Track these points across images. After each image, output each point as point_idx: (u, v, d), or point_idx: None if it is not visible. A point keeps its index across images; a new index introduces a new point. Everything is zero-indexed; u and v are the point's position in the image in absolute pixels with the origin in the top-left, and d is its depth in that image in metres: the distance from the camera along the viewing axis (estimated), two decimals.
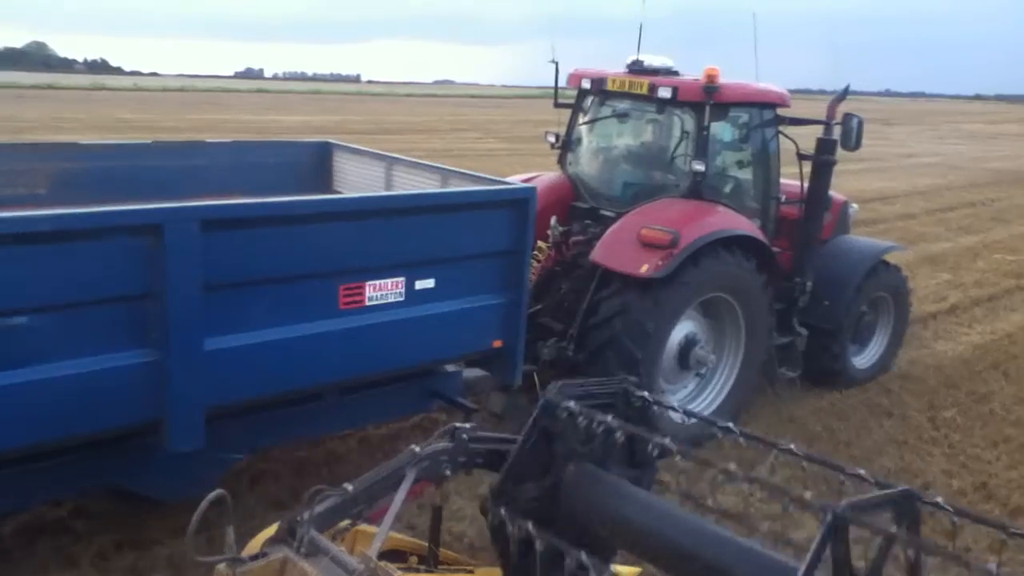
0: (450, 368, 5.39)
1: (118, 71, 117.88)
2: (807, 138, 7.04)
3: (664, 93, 6.39)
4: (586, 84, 7.02)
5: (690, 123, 6.52)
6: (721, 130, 6.78)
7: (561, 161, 7.34)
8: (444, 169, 5.73)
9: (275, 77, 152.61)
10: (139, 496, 4.32)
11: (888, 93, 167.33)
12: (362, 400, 4.95)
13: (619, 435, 2.98)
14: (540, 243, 6.59)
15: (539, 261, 6.63)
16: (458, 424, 3.12)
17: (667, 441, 2.89)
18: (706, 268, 6.07)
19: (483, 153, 25.75)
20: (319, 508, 2.61)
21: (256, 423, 4.51)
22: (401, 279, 4.58)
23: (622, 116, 7.09)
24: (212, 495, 2.37)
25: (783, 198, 7.10)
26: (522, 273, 5.14)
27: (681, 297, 6.05)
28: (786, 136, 7.00)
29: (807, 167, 7.06)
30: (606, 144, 7.32)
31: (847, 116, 6.81)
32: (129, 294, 3.65)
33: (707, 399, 6.58)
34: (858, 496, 2.46)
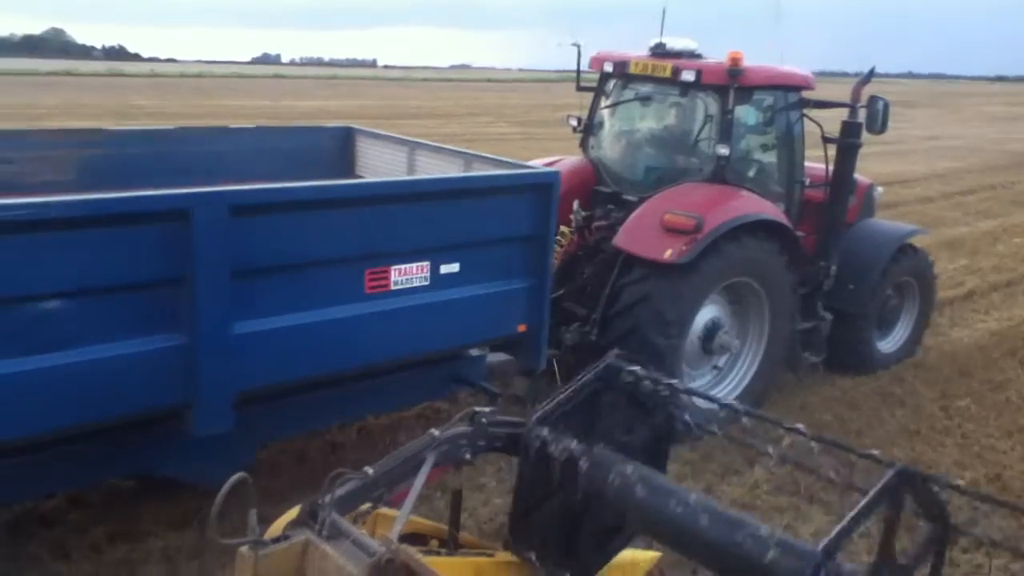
0: (474, 352, 5.39)
1: (136, 58, 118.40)
2: (832, 121, 6.97)
3: (688, 76, 6.34)
4: (608, 67, 6.97)
5: (714, 106, 6.46)
6: (745, 113, 6.72)
7: (583, 145, 7.30)
8: (467, 153, 5.72)
9: (292, 63, 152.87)
10: (157, 482, 4.35)
11: (910, 75, 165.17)
12: (386, 385, 4.97)
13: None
14: (563, 228, 6.57)
15: (561, 246, 6.61)
16: (477, 408, 3.13)
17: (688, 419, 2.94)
18: (730, 253, 6.03)
19: (495, 137, 25.60)
20: (340, 491, 2.63)
21: (282, 408, 4.54)
22: (426, 263, 4.59)
23: (645, 100, 7.04)
24: (234, 478, 2.38)
25: (808, 181, 7.04)
26: (546, 257, 5.14)
27: (705, 283, 6.02)
28: (811, 119, 6.93)
29: (832, 150, 6.99)
30: (629, 128, 7.27)
31: (872, 99, 6.73)
32: (158, 279, 3.68)
33: (731, 384, 6.56)
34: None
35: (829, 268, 7.08)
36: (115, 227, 3.52)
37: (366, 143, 6.60)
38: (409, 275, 4.54)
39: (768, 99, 6.77)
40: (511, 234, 4.98)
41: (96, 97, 36.95)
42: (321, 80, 67.28)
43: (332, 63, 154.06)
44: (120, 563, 4.39)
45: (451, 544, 3.28)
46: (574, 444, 2.91)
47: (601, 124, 7.26)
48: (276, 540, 2.51)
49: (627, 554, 3.48)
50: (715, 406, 3.50)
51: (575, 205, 6.69)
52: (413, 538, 3.09)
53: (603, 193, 6.96)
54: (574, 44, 7.02)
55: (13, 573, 4.19)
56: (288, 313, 4.10)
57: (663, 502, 2.93)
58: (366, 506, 2.81)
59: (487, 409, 3.14)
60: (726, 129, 6.32)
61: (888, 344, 7.87)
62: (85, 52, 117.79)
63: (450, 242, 4.67)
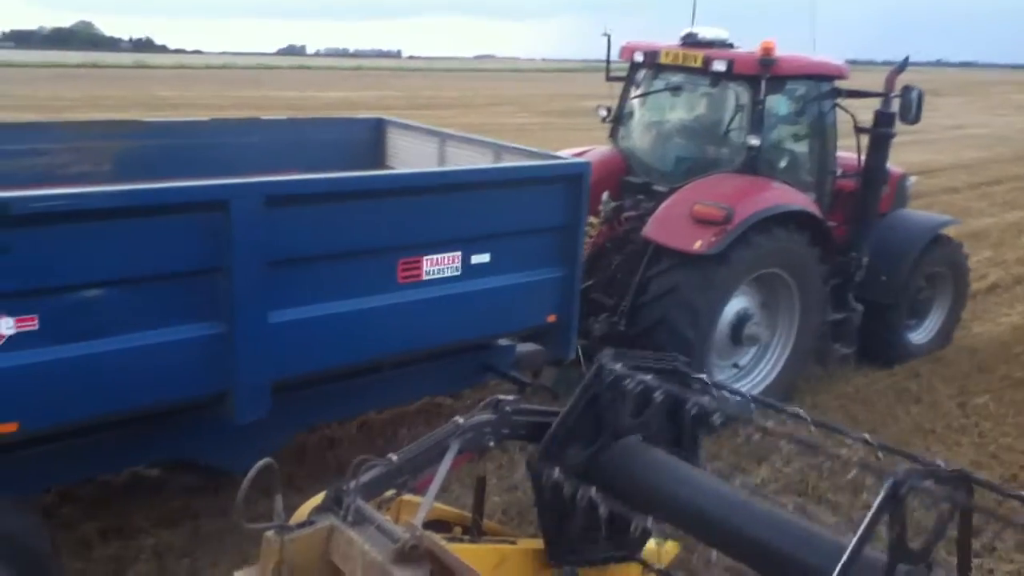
0: (503, 342, 5.41)
1: (162, 49, 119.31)
2: (865, 111, 6.89)
3: (719, 66, 6.30)
4: (639, 57, 6.94)
5: (745, 97, 6.41)
6: (777, 103, 6.66)
7: (613, 135, 7.27)
8: (497, 144, 5.73)
9: (317, 54, 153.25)
10: (148, 479, 4.36)
11: (940, 63, 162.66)
12: (416, 373, 5.01)
13: (658, 395, 3.01)
14: (591, 218, 6.56)
15: (590, 236, 6.60)
16: (501, 396, 3.16)
17: (707, 400, 2.94)
18: (760, 244, 6.00)
19: (515, 128, 25.40)
20: (365, 478, 2.66)
21: (315, 396, 4.58)
22: (457, 254, 4.60)
23: (675, 90, 6.99)
24: (260, 463, 2.42)
25: (840, 171, 6.98)
26: (576, 248, 5.14)
27: (734, 274, 5.99)
28: (843, 109, 6.86)
29: (864, 140, 6.92)
30: (659, 118, 7.23)
31: (906, 88, 6.65)
32: (197, 268, 3.72)
33: (760, 375, 6.53)
34: (916, 465, 2.44)
35: (861, 259, 7.01)
36: (156, 217, 3.56)
37: (397, 134, 6.62)
38: (441, 265, 4.56)
39: (800, 89, 6.71)
40: (542, 224, 4.98)
41: (121, 89, 37.21)
42: (345, 71, 67.36)
43: (357, 54, 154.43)
44: (110, 560, 4.37)
45: (475, 531, 3.31)
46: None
47: (631, 114, 7.23)
48: (301, 525, 2.54)
49: (650, 542, 3.50)
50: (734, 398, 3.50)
51: (604, 196, 6.68)
52: (437, 525, 3.12)
53: (632, 183, 6.94)
54: (604, 34, 6.99)
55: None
56: (322, 302, 4.13)
57: (687, 491, 2.94)
58: (390, 492, 2.84)
59: (511, 397, 3.17)
60: (757, 119, 6.28)
61: (920, 335, 7.80)
62: (113, 44, 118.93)
63: (481, 232, 4.68)
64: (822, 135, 6.89)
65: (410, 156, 6.40)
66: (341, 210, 4.12)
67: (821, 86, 6.75)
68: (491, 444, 3.10)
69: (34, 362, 3.32)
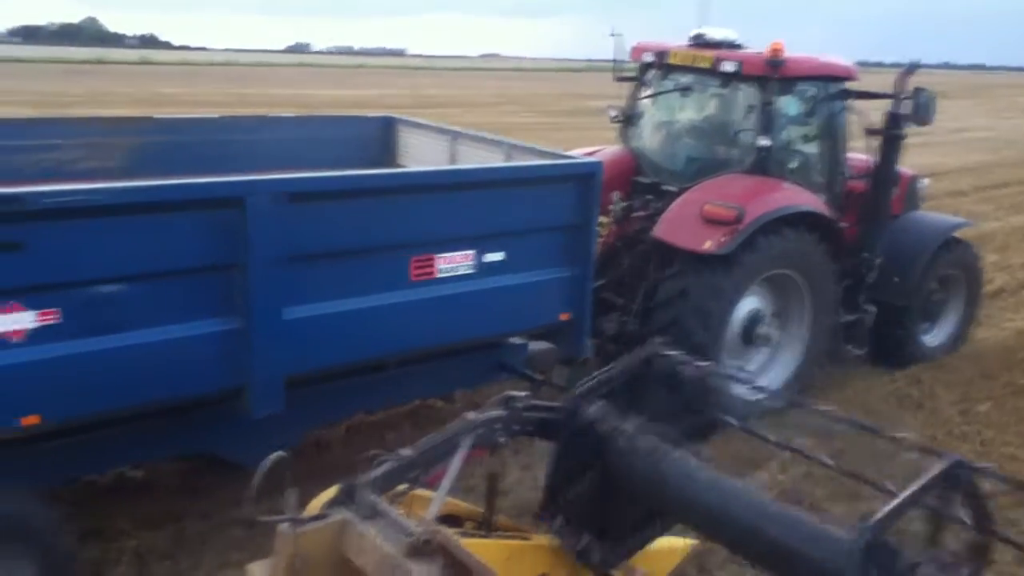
0: (515, 340, 5.42)
1: (167, 46, 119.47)
2: (873, 113, 6.88)
3: (728, 67, 6.31)
4: (648, 58, 6.95)
5: (755, 97, 6.42)
6: (786, 104, 6.66)
7: (623, 135, 7.28)
8: (508, 143, 5.73)
9: (322, 51, 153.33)
10: (131, 480, 4.34)
11: (947, 66, 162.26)
12: (428, 371, 5.01)
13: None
14: (602, 218, 6.56)
15: (601, 236, 6.60)
16: (512, 393, 3.16)
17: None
18: (771, 245, 6.00)
19: (520, 127, 25.20)
20: (377, 472, 2.68)
21: (329, 393, 4.59)
22: (471, 252, 4.62)
23: (685, 90, 7.00)
24: (273, 456, 2.44)
25: (850, 172, 6.97)
26: (589, 246, 5.15)
27: (745, 274, 6.00)
28: (853, 110, 6.86)
29: (875, 142, 6.92)
30: (669, 118, 7.23)
31: (917, 90, 6.64)
32: (212, 264, 3.74)
33: (772, 376, 6.52)
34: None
35: (873, 260, 7.00)
36: (172, 213, 3.59)
37: (407, 132, 6.63)
38: (454, 263, 4.57)
39: (810, 90, 6.71)
40: (554, 223, 5.00)
41: (125, 85, 37.19)
42: (350, 69, 67.37)
43: (362, 52, 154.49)
44: (92, 563, 4.28)
45: (487, 526, 3.32)
46: (623, 422, 2.93)
47: (641, 114, 7.24)
48: (314, 518, 2.55)
49: (662, 540, 3.50)
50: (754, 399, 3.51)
51: (614, 195, 6.68)
52: (449, 519, 3.13)
53: (642, 183, 6.95)
54: (614, 34, 7.00)
55: None
56: (336, 299, 4.15)
57: (696, 490, 2.94)
58: (403, 487, 2.85)
59: (522, 394, 3.17)
60: (767, 120, 6.29)
61: (933, 338, 7.77)
62: (118, 40, 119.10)
63: (494, 231, 4.69)
64: (832, 136, 6.89)
65: (421, 154, 6.40)
66: (356, 207, 4.14)
67: (830, 87, 6.75)
68: (502, 440, 3.10)
69: (56, 356, 3.35)
